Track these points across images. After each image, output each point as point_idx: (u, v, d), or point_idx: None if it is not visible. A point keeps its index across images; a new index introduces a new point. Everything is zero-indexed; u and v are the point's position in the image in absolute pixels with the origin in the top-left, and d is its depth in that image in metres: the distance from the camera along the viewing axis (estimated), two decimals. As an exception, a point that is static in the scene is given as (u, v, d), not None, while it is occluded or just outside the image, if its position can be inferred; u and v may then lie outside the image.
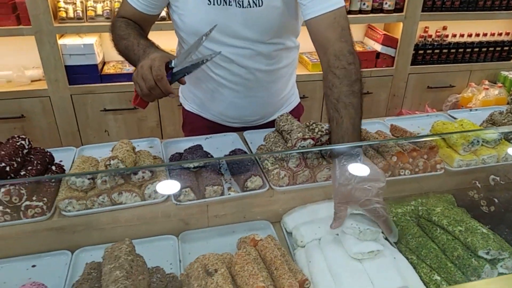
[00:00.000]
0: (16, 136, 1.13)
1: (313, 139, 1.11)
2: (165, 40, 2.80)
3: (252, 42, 1.26)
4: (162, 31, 2.49)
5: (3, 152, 1.03)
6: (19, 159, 1.05)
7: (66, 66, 2.43)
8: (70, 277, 0.97)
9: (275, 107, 1.50)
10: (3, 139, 2.67)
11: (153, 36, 2.77)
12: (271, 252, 0.95)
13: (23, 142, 1.11)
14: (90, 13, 2.41)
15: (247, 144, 1.38)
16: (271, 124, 1.48)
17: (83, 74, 2.48)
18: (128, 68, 2.61)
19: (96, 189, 1.04)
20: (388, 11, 2.72)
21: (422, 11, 2.74)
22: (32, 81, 2.53)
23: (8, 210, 0.98)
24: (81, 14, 2.39)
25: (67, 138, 2.60)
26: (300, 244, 1.04)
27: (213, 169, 1.16)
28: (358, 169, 0.96)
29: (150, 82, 1.07)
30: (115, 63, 2.68)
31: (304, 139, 1.11)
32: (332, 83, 1.02)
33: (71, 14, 2.38)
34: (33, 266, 1.02)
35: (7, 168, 0.98)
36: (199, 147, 1.24)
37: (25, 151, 1.10)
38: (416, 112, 2.79)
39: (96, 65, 2.48)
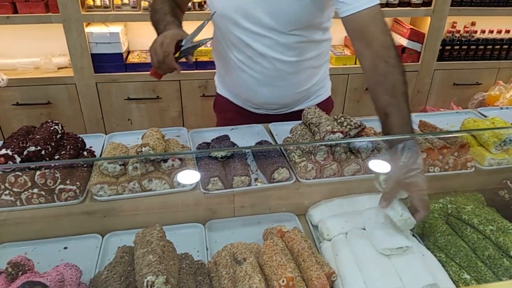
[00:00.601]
0: (49, 121, 1.16)
1: (342, 132, 1.11)
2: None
3: (273, 31, 1.26)
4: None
5: (38, 136, 1.05)
6: (53, 144, 1.07)
7: (92, 54, 2.46)
8: (101, 259, 1.00)
9: (299, 98, 1.49)
10: (30, 124, 2.73)
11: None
12: (298, 243, 0.95)
13: (56, 127, 1.14)
14: (117, 1, 2.43)
15: (273, 136, 1.38)
16: (296, 114, 1.48)
17: (108, 62, 2.51)
18: (152, 58, 2.63)
19: (127, 175, 1.06)
20: (416, 5, 2.66)
21: (451, 5, 2.66)
22: (58, 68, 2.57)
23: (43, 192, 1.00)
24: (107, 3, 2.42)
25: (91, 125, 2.64)
26: (326, 238, 1.04)
27: (240, 159, 1.17)
28: (417, 158, 0.95)
29: (159, 57, 1.17)
30: (139, 52, 2.71)
31: (333, 132, 1.10)
32: (386, 71, 1.02)
33: (98, 3, 2.41)
34: (65, 248, 1.05)
35: (43, 152, 1.01)
36: (226, 137, 1.25)
37: (58, 136, 1.13)
38: (441, 109, 2.74)
39: (121, 54, 2.51)
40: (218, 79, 1.61)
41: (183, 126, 2.86)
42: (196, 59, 2.61)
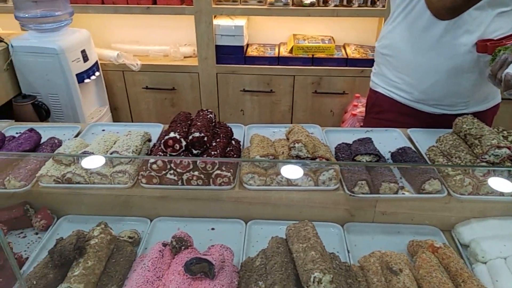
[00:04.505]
0: (204, 109, 1.25)
1: (509, 148, 1.01)
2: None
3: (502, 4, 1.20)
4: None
5: (199, 123, 1.14)
6: (210, 131, 1.15)
7: (216, 46, 2.60)
8: (246, 245, 1.05)
9: (480, 95, 1.38)
10: (156, 108, 2.96)
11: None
12: (456, 262, 0.90)
13: (211, 115, 1.22)
14: (244, -4, 2.52)
15: (413, 143, 1.31)
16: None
17: (230, 54, 2.63)
18: (270, 52, 2.69)
19: (276, 168, 1.09)
20: None
21: None
22: (184, 57, 2.77)
23: (202, 176, 1.09)
24: (236, -3, 2.53)
25: (207, 112, 2.80)
26: (480, 260, 0.96)
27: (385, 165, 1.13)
28: None
29: None
30: (258, 46, 2.79)
31: (499, 147, 1.01)
32: None
33: (227, -4, 2.53)
34: (212, 229, 1.13)
35: (205, 138, 1.09)
36: (369, 140, 1.22)
37: (212, 124, 1.21)
38: None
39: (242, 47, 2.61)
40: (378, 77, 1.52)
41: (291, 121, 2.90)
42: (313, 55, 2.61)
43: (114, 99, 2.83)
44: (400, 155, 1.19)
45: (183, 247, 0.97)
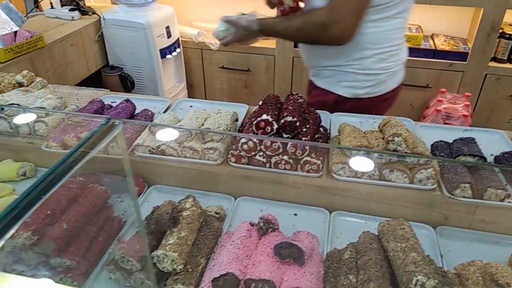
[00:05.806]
0: (294, 93, 1.23)
1: None
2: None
3: None
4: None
5: (290, 107, 1.12)
6: (302, 116, 1.13)
7: (295, 29, 2.55)
8: (331, 235, 1.03)
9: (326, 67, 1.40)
10: (229, 87, 2.99)
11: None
12: None
13: (300, 100, 1.20)
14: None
15: (520, 147, 1.20)
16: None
17: (309, 38, 2.57)
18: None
19: (369, 160, 1.05)
20: None
21: None
22: (262, 38, 2.75)
23: (290, 160, 1.07)
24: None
25: (279, 96, 2.78)
26: None
27: (492, 169, 1.04)
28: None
29: None
30: (338, 31, 2.69)
31: None
32: None
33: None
34: (295, 214, 1.12)
35: (297, 123, 1.07)
36: (472, 140, 1.13)
37: (302, 109, 1.18)
38: None
39: (322, 31, 2.53)
40: None
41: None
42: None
43: (190, 76, 2.91)
44: (506, 160, 1.09)
45: (269, 229, 0.97)
